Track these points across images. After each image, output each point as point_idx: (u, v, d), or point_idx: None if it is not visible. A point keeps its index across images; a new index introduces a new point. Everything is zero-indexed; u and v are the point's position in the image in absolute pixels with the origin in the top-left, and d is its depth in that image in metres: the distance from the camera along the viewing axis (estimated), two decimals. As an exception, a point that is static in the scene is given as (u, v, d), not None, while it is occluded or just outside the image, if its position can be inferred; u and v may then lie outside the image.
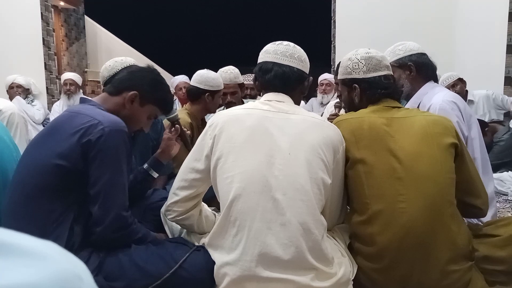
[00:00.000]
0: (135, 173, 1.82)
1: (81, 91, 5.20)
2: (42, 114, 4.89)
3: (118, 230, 1.35)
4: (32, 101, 4.93)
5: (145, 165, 1.82)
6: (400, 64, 2.02)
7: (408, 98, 2.07)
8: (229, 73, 2.88)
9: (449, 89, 3.75)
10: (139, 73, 1.59)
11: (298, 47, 1.53)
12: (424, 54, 2.04)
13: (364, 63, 1.58)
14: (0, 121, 2.17)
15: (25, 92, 4.89)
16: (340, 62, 1.71)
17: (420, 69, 2.02)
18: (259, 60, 1.53)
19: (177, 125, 1.90)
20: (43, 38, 5.59)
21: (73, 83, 4.95)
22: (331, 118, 2.40)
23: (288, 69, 1.46)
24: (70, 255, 0.38)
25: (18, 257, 0.33)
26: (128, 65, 2.01)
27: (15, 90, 4.77)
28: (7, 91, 4.81)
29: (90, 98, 1.55)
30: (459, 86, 3.89)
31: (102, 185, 1.32)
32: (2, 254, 0.33)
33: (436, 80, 2.11)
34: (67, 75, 5.06)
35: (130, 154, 1.43)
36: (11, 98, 4.69)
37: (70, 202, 1.34)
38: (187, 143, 2.01)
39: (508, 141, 3.48)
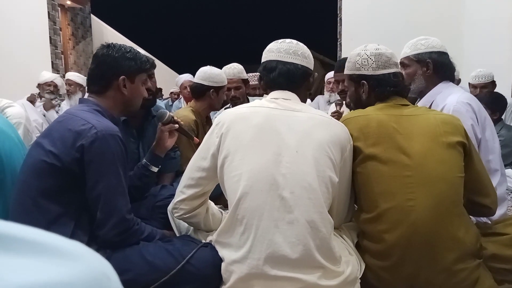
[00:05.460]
0: (135, 169, 1.84)
1: (80, 91, 5.00)
2: None
3: (120, 233, 1.37)
4: (59, 105, 4.69)
5: (143, 161, 1.84)
6: (419, 59, 1.97)
7: (421, 95, 2.03)
8: (233, 68, 2.88)
9: (478, 88, 3.65)
10: (106, 58, 1.56)
11: (301, 44, 1.52)
12: (445, 54, 1.99)
13: (373, 60, 1.56)
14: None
15: (57, 93, 4.64)
16: (345, 57, 1.68)
17: (437, 68, 1.97)
18: (263, 59, 1.52)
19: (173, 124, 1.89)
20: (50, 37, 5.63)
21: (72, 83, 4.84)
22: (333, 116, 2.38)
23: (293, 66, 1.46)
24: (97, 254, 0.38)
25: (50, 256, 0.34)
26: None
27: (45, 89, 4.49)
28: (37, 86, 4.55)
29: (89, 99, 1.55)
30: (486, 90, 3.71)
31: (100, 189, 1.34)
32: (36, 253, 0.33)
33: (453, 81, 2.05)
34: (67, 75, 4.97)
35: (126, 157, 1.43)
36: (40, 96, 4.48)
37: (70, 204, 1.35)
38: (187, 133, 2.02)
39: (505, 135, 3.44)
